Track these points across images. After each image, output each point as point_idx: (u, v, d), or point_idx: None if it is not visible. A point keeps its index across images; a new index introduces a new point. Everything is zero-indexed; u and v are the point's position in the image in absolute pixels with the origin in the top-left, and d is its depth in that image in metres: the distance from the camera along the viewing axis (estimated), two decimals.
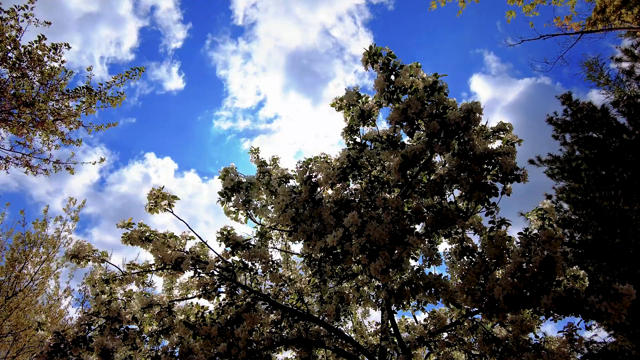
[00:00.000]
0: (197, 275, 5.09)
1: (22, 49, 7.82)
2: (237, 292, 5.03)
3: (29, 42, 7.84)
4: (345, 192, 4.81)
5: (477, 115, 4.53)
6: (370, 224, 3.73)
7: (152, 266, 5.30)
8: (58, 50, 7.84)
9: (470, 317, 6.09)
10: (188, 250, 5.18)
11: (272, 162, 6.66)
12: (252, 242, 5.00)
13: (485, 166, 4.77)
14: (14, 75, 7.90)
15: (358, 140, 4.94)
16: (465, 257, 5.67)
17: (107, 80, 8.87)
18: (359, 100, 4.72)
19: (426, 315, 6.80)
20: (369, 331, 7.45)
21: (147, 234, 5.28)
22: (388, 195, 4.52)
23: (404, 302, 5.16)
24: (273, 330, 5.48)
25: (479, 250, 5.52)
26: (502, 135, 5.78)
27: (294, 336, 6.00)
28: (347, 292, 5.86)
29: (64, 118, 9.06)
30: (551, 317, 4.61)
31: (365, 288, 6.93)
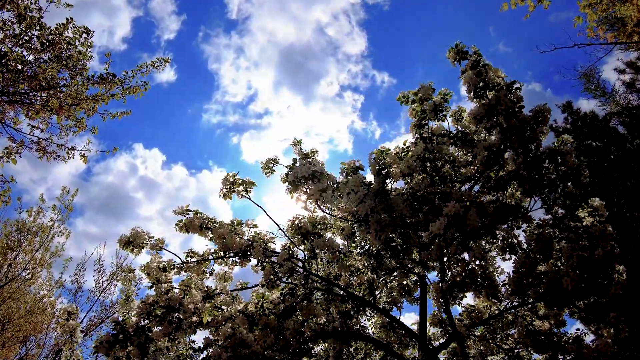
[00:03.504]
0: (260, 263, 5.07)
1: (48, 31, 7.54)
2: (308, 281, 5.03)
3: (56, 24, 7.58)
4: (414, 184, 4.91)
5: (547, 115, 4.76)
6: (470, 213, 3.86)
7: (212, 254, 5.25)
8: (89, 35, 7.62)
9: (513, 310, 6.31)
10: (250, 237, 5.16)
11: (310, 154, 6.70)
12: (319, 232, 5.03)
13: (546, 164, 4.98)
14: (40, 57, 7.63)
15: (425, 135, 5.06)
16: (508, 253, 5.88)
17: (100, 70, 8.59)
18: (433, 95, 4.84)
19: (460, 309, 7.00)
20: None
21: (207, 222, 5.24)
22: (464, 189, 4.65)
23: (460, 295, 5.30)
24: (341, 319, 5.51)
25: (524, 246, 5.74)
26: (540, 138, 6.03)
27: (336, 328, 6.05)
28: (410, 284, 5.97)
29: (82, 103, 8.78)
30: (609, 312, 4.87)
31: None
